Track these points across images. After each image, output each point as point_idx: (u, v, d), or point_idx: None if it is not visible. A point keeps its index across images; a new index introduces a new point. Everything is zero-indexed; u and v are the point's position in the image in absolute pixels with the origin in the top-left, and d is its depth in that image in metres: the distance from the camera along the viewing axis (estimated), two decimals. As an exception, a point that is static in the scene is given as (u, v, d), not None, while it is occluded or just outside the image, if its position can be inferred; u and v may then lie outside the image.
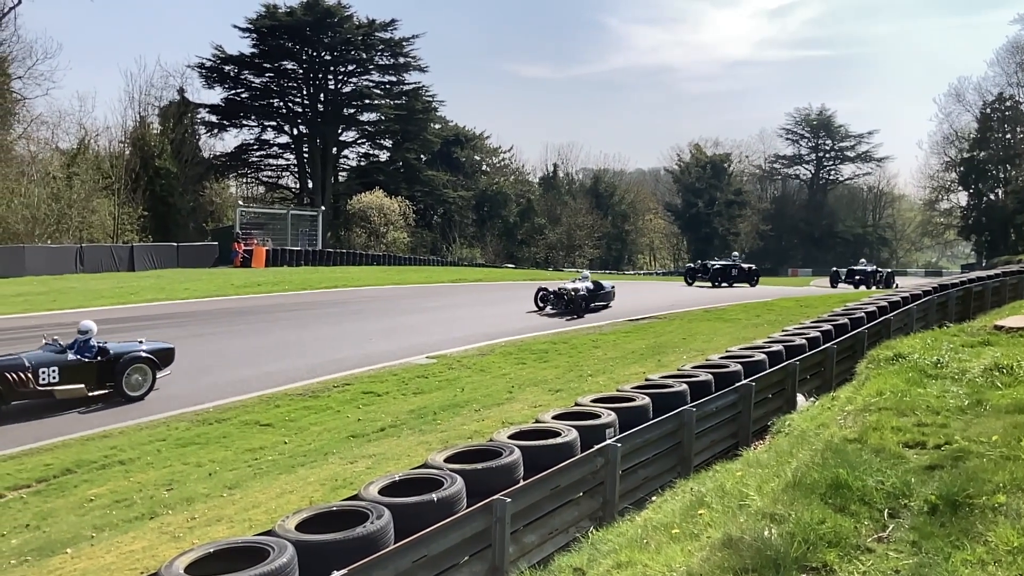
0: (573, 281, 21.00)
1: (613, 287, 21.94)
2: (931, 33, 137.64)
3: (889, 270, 37.99)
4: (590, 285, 20.71)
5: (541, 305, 20.45)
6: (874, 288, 33.22)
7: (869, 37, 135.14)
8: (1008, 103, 65.22)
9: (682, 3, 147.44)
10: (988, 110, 65.94)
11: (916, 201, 79.11)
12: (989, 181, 66.91)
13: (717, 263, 34.53)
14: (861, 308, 15.12)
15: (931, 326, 13.90)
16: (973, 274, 26.48)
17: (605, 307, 21.28)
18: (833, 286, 34.86)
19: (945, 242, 77.86)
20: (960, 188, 69.36)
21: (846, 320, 13.56)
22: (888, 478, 5.11)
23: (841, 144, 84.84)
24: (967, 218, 68.03)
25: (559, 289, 20.22)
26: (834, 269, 38.15)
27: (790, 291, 31.53)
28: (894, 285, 35.06)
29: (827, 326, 12.90)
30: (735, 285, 32.77)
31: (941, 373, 8.23)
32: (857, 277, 35.23)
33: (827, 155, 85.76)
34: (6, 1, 39.11)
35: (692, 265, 37.35)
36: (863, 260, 38.09)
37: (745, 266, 34.63)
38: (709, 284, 32.58)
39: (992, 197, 66.65)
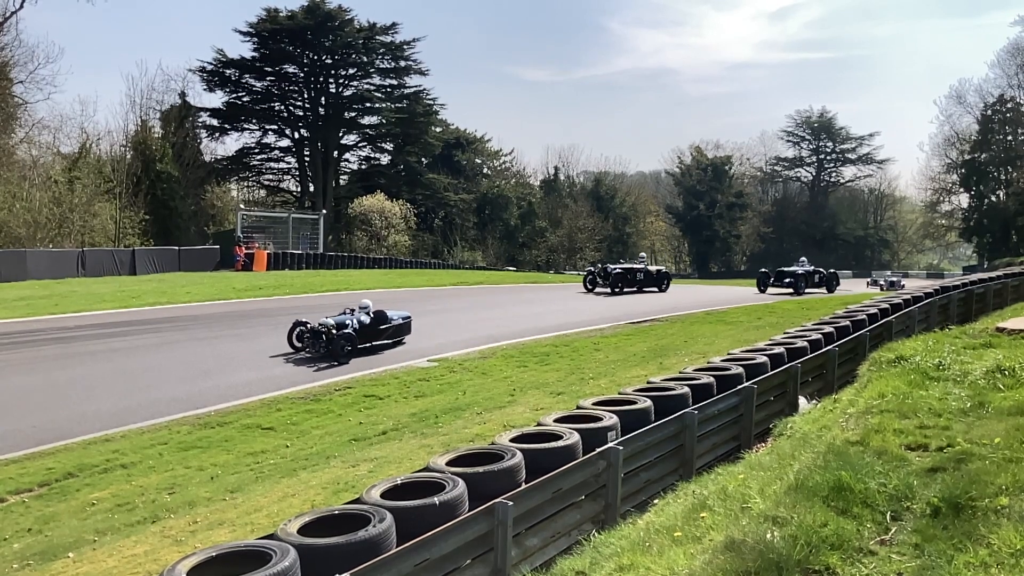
0: (344, 313, 15.66)
1: (407, 319, 16.58)
2: (931, 35, 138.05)
3: (832, 270, 32.37)
4: (364, 318, 15.59)
5: (298, 345, 15.24)
6: (807, 294, 28.31)
7: (869, 39, 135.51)
8: (1009, 105, 65.26)
9: (683, 6, 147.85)
10: (989, 112, 65.97)
11: (917, 203, 79.21)
12: (990, 183, 66.91)
13: (618, 267, 29.82)
14: (863, 310, 15.12)
15: (933, 328, 13.91)
16: (975, 276, 26.48)
17: (393, 345, 16.18)
18: (761, 290, 29.67)
19: (946, 244, 77.93)
20: (961, 190, 69.40)
21: (848, 322, 13.57)
22: (890, 480, 5.11)
23: (842, 146, 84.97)
24: (968, 220, 68.01)
25: (319, 325, 14.97)
26: (762, 271, 32.11)
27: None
28: (834, 289, 30.62)
29: (829, 328, 12.91)
30: (645, 290, 28.74)
31: (943, 375, 8.23)
32: (787, 280, 29.61)
33: (828, 157, 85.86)
34: (8, 6, 39.24)
35: (592, 268, 31.57)
36: (803, 259, 32.25)
37: (653, 269, 30.45)
38: (609, 291, 28.11)
39: (993, 199, 66.65)
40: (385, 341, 16.12)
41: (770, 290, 29.38)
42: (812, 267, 31.10)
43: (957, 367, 8.49)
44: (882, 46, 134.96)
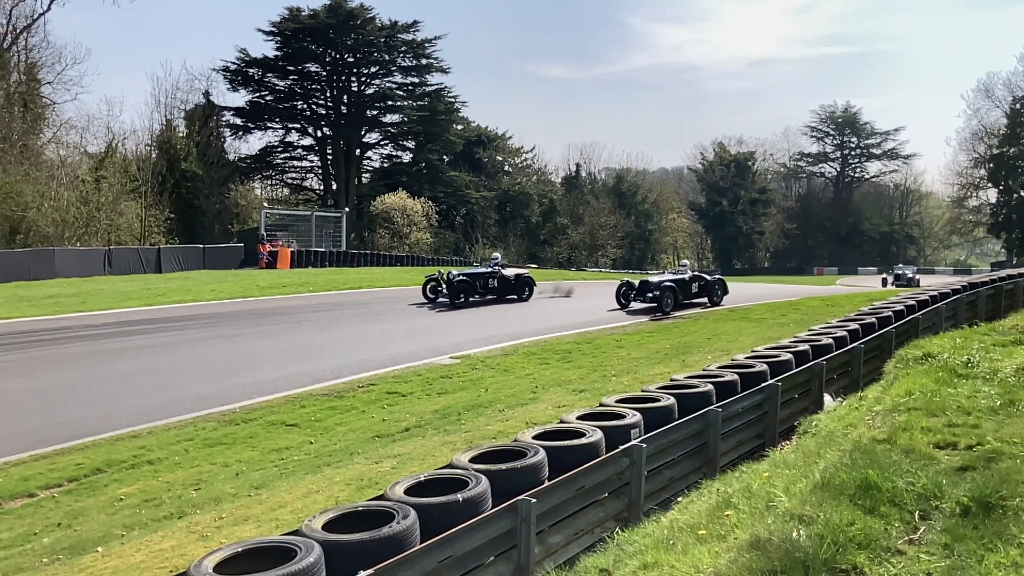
0: None
1: None
2: (958, 28, 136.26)
3: (719, 276, 25.50)
4: None
5: None
6: (684, 309, 21.54)
7: (894, 33, 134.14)
8: (1038, 98, 64.25)
9: (705, 1, 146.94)
10: (1018, 105, 64.97)
11: (944, 198, 78.31)
12: (1019, 177, 65.86)
13: (462, 273, 23.24)
14: (889, 307, 14.94)
15: (960, 325, 13.72)
16: (1003, 272, 26.05)
17: None
18: (622, 305, 21.93)
19: (974, 240, 76.94)
20: (989, 185, 68.46)
21: (873, 319, 13.40)
22: (919, 479, 5.04)
23: (867, 141, 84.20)
24: (997, 215, 67.04)
25: None
26: (625, 280, 23.47)
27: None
28: (719, 300, 22.98)
29: (854, 325, 12.75)
30: (507, 298, 23.23)
31: (972, 373, 8.11)
32: (649, 295, 21.25)
33: (852, 152, 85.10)
34: (36, 7, 39.86)
35: (433, 275, 23.36)
36: (685, 262, 25.76)
37: (510, 273, 23.86)
38: (449, 302, 22.08)
39: (1022, 194, 65.57)
40: None
41: (634, 304, 21.75)
42: (692, 274, 23.12)
43: (986, 364, 8.36)
44: (907, 40, 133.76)
